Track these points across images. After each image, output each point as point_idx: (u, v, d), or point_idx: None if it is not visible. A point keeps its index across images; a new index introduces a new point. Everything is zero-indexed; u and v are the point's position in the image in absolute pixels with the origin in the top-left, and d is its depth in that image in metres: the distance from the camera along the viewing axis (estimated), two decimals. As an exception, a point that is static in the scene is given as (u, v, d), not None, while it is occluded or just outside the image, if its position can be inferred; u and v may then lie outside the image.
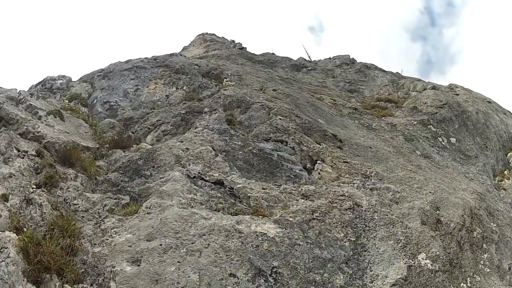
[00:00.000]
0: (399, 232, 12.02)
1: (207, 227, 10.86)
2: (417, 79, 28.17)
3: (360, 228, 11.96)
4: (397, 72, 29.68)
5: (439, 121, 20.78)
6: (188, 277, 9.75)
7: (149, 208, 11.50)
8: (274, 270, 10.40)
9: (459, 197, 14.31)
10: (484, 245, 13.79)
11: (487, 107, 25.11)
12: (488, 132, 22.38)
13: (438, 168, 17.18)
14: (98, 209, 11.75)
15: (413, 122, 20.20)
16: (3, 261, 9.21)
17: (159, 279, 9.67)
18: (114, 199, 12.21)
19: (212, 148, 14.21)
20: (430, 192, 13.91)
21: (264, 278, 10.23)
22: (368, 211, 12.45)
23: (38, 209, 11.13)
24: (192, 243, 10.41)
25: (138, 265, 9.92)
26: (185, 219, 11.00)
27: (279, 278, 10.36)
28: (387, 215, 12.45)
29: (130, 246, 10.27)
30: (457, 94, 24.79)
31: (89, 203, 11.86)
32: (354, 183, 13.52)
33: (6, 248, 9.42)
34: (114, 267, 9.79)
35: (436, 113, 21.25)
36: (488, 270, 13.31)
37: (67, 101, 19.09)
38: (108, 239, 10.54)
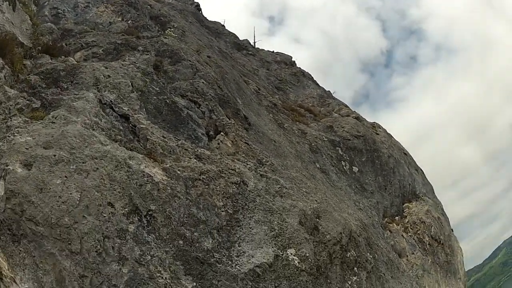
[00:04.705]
0: (275, 222, 13.27)
1: (101, 152, 11.87)
2: (345, 105, 29.82)
3: (240, 205, 13.20)
4: (328, 91, 31.34)
5: (349, 148, 22.44)
6: (70, 194, 10.78)
7: (55, 118, 12.36)
8: (150, 213, 11.60)
9: (342, 217, 15.71)
10: (356, 268, 15.28)
11: (401, 157, 27.19)
12: (393, 177, 24.32)
13: (331, 186, 18.70)
14: (10, 105, 12.38)
15: (324, 138, 21.65)
16: None
17: (44, 188, 10.65)
18: (27, 100, 12.95)
19: (131, 84, 15.15)
20: (315, 200, 15.25)
21: (139, 217, 11.43)
22: (252, 192, 13.69)
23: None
24: (83, 163, 11.42)
25: (29, 170, 10.83)
26: (84, 138, 11.93)
27: (153, 221, 11.57)
28: (268, 203, 13.69)
29: (27, 148, 11.15)
30: (377, 134, 26.63)
31: (4, 97, 12.45)
32: (247, 164, 14.74)
33: None
34: (7, 166, 10.67)
35: (350, 140, 22.89)
36: (355, 293, 14.83)
37: (22, -8, 19.62)
38: (10, 137, 11.35)
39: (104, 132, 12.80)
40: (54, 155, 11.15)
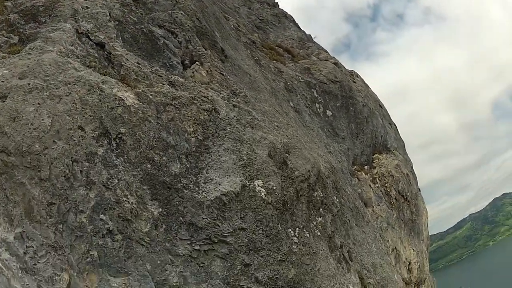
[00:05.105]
0: (245, 152, 13.41)
1: (75, 77, 11.90)
2: (325, 50, 29.90)
3: (210, 132, 13.33)
4: (309, 35, 31.39)
5: (324, 91, 22.55)
6: (42, 120, 10.80)
7: (32, 49, 12.35)
8: (119, 136, 11.69)
9: (312, 156, 15.90)
10: (322, 210, 15.54)
11: (376, 108, 27.50)
12: (365, 126, 24.63)
13: (303, 126, 18.88)
14: (-11, 46, 12.33)
15: (300, 79, 21.72)
16: None
17: (17, 117, 10.66)
18: (6, 37, 12.94)
19: (109, 14, 15.05)
20: (286, 135, 15.41)
21: (108, 140, 11.53)
22: (223, 121, 13.79)
23: None
24: (56, 88, 11.44)
25: (3, 101, 10.82)
26: (58, 65, 11.97)
27: (122, 144, 11.69)
28: (239, 132, 13.82)
29: (3, 81, 11.14)
30: (354, 82, 26.83)
31: (-16, 39, 12.41)
32: (221, 93, 14.80)
33: None
34: (-16, 102, 10.69)
35: (326, 83, 23.02)
36: (319, 233, 15.04)
37: None
38: (-13, 73, 11.32)
39: (79, 59, 12.82)
40: (29, 84, 11.19)
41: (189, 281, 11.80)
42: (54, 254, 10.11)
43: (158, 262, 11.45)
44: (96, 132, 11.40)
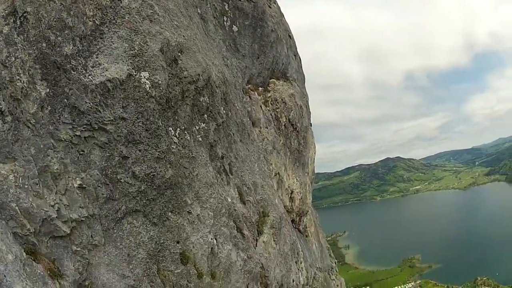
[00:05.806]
0: (137, 43, 13.50)
1: None
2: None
3: (108, 18, 13.29)
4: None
5: (236, 7, 22.44)
6: None
7: None
8: (24, 15, 11.87)
9: (206, 62, 16.13)
10: (206, 116, 15.96)
11: (284, 37, 27.80)
12: (269, 51, 24.98)
13: (205, 34, 18.95)
14: None
15: (215, -11, 21.53)
16: None
17: None
18: None
19: None
20: (183, 36, 15.49)
21: (14, 19, 11.77)
22: (124, 9, 13.70)
23: None
24: None
25: None
26: None
27: (25, 23, 11.87)
28: (135, 23, 13.81)
29: None
30: (270, 7, 26.85)
31: None
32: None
33: None
34: None
35: (240, 0, 22.92)
36: (200, 139, 15.55)
37: None
38: None
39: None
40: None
41: (69, 169, 12.20)
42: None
43: (42, 146, 11.79)
44: (6, 11, 11.62)
